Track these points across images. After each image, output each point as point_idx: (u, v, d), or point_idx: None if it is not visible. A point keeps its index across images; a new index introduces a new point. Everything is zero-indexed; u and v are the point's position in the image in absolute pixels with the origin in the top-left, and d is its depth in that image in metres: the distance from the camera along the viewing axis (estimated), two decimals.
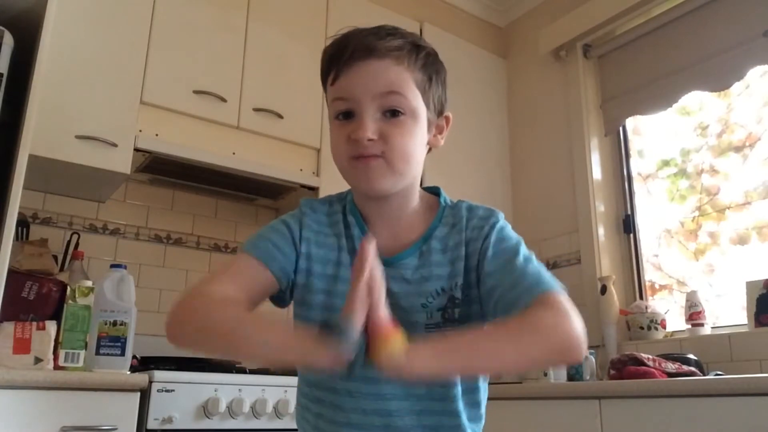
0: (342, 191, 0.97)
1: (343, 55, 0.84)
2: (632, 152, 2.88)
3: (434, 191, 0.96)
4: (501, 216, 0.92)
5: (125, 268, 1.93)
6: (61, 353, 1.68)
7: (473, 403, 0.89)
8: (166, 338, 0.80)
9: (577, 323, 0.75)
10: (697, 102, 2.63)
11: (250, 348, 0.76)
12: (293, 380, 1.39)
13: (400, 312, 0.81)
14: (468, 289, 0.86)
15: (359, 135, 0.81)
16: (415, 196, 0.92)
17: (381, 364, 0.67)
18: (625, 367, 1.95)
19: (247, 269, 0.85)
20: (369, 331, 0.69)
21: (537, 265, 0.84)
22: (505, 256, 0.85)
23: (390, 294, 0.78)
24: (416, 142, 0.85)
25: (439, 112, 0.91)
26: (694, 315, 2.33)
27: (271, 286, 0.87)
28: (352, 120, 0.84)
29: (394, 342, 0.68)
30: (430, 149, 0.93)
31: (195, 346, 0.82)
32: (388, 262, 0.84)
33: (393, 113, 0.83)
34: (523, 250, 0.87)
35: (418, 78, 0.86)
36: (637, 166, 2.85)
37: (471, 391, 0.89)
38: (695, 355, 2.10)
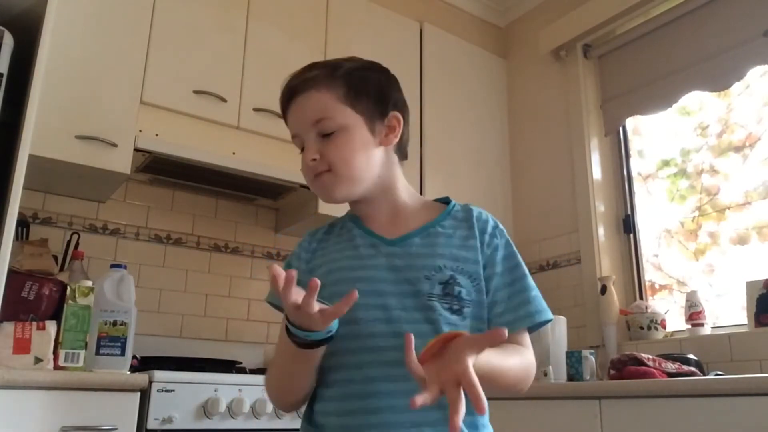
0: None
1: (282, 101, 1.02)
2: (632, 152, 2.88)
3: (444, 200, 1.07)
4: (503, 231, 1.04)
5: (125, 268, 1.94)
6: (61, 353, 1.69)
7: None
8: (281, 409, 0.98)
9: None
10: (697, 102, 2.63)
11: (287, 357, 0.89)
12: None
13: (406, 284, 0.92)
14: (473, 281, 0.95)
15: (305, 159, 0.98)
16: (399, 191, 1.03)
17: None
18: (625, 367, 1.95)
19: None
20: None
21: (534, 286, 0.99)
22: (514, 274, 0.98)
23: (396, 268, 0.94)
24: (355, 149, 0.97)
25: (381, 114, 1.01)
26: (694, 315, 2.33)
27: None
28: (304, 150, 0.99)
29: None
30: (385, 147, 1.02)
31: (286, 405, 0.97)
32: (393, 242, 0.97)
33: (325, 135, 0.97)
34: (526, 269, 1.00)
35: (341, 95, 0.98)
36: (637, 166, 2.85)
37: None
38: (695, 355, 2.10)
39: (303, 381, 0.92)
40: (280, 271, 0.78)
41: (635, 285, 2.71)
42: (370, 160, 0.98)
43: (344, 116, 0.97)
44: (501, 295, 0.96)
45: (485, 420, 0.94)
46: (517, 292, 0.96)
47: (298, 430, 0.98)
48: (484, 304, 0.95)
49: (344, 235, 1.02)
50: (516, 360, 0.90)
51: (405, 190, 1.04)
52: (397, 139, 1.01)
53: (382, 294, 0.91)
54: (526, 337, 0.96)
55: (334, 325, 0.84)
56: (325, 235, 1.05)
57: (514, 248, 1.01)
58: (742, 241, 2.42)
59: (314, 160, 0.96)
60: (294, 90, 0.99)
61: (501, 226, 1.03)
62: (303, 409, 0.98)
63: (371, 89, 1.01)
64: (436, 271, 0.93)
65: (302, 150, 1.00)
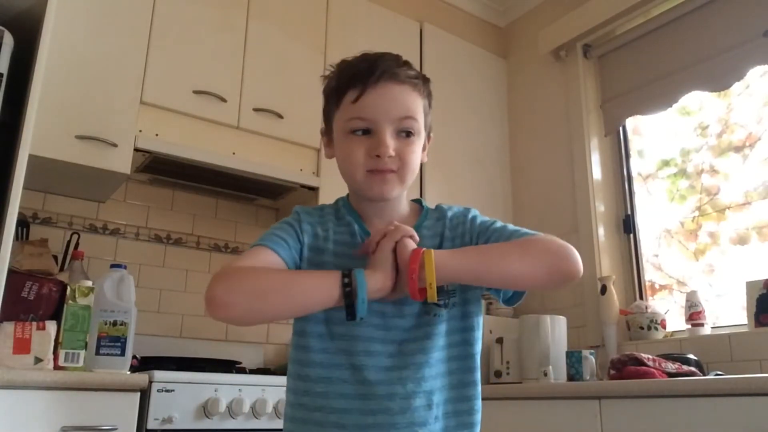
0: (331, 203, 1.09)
1: (371, 75, 0.94)
2: (632, 152, 2.88)
3: (417, 201, 1.11)
4: (476, 210, 1.07)
5: (125, 268, 1.93)
6: (61, 353, 1.68)
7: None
8: (214, 312, 0.84)
9: (569, 245, 0.95)
10: (697, 102, 2.63)
11: (309, 294, 0.86)
12: None
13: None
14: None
15: (382, 151, 0.93)
16: (404, 199, 1.06)
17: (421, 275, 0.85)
18: (625, 367, 1.95)
19: (261, 254, 0.93)
20: (401, 255, 0.88)
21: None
22: (493, 225, 1.01)
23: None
24: (419, 158, 1.00)
25: (428, 134, 1.05)
26: (694, 315, 2.33)
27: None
28: (370, 137, 0.95)
29: (426, 254, 0.86)
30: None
31: (251, 309, 0.87)
32: None
33: (406, 134, 0.96)
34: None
35: (425, 104, 1.00)
36: (637, 166, 2.85)
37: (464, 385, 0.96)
38: (695, 355, 2.10)
39: (290, 315, 0.92)
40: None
41: (635, 285, 2.71)
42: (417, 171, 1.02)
43: (422, 125, 0.99)
44: (494, 237, 0.98)
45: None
46: (503, 230, 0.99)
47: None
48: (470, 286, 0.97)
49: (344, 227, 1.01)
50: (510, 244, 0.95)
51: (405, 198, 1.07)
52: (426, 158, 1.05)
53: (381, 301, 0.91)
54: (539, 235, 0.99)
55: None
56: (320, 218, 1.03)
57: (485, 217, 1.05)
58: (742, 241, 2.42)
59: (391, 156, 0.94)
60: (394, 75, 0.95)
61: (471, 210, 1.05)
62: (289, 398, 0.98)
63: (431, 107, 1.04)
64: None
65: (361, 132, 0.95)
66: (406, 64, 0.99)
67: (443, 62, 2.93)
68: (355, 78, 0.96)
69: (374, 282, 0.86)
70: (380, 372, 0.90)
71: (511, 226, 1.00)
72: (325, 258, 0.97)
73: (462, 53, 3.08)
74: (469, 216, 1.03)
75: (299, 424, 0.93)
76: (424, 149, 1.03)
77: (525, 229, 0.99)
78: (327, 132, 1.03)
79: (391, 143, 0.94)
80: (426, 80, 1.02)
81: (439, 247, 0.99)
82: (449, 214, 1.04)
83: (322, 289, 0.86)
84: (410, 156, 0.96)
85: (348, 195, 1.07)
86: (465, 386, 0.96)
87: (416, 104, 0.97)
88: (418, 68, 1.05)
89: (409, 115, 0.95)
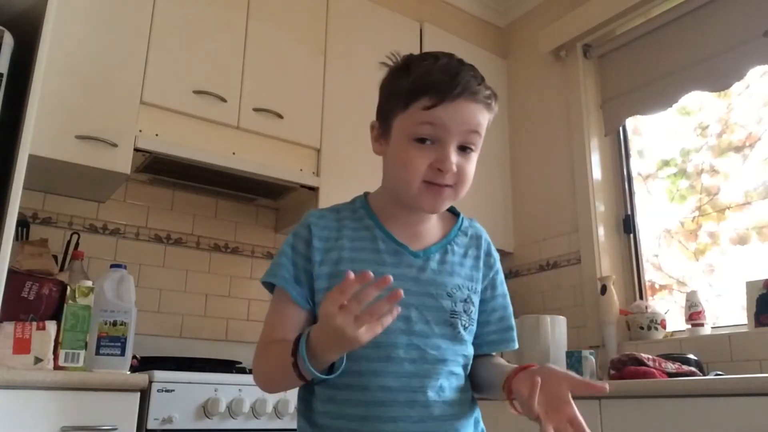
0: (345, 201, 1.05)
1: (453, 89, 0.91)
2: (632, 152, 2.88)
3: (452, 209, 1.07)
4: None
5: (125, 268, 1.93)
6: (61, 353, 1.68)
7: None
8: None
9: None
10: (697, 102, 2.63)
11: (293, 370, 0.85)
12: None
13: (429, 298, 0.94)
14: (477, 299, 1.00)
15: (447, 167, 0.91)
16: None
17: None
18: (625, 367, 1.95)
19: (282, 310, 0.97)
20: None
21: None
22: (506, 300, 1.05)
23: (420, 281, 0.94)
24: (473, 172, 0.98)
25: None
26: (694, 315, 2.33)
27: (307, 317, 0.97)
28: (433, 147, 0.92)
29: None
30: None
31: (269, 388, 0.97)
32: (417, 254, 0.97)
33: (467, 149, 0.95)
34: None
35: (489, 121, 0.98)
36: (637, 166, 2.85)
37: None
38: (695, 355, 2.10)
39: (294, 385, 0.93)
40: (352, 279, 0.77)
41: (635, 285, 2.71)
42: None
43: (482, 140, 0.97)
44: (495, 316, 1.03)
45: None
46: (507, 317, 1.05)
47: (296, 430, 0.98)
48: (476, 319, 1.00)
49: (362, 231, 0.98)
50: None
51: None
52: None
53: (406, 305, 0.90)
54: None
55: (343, 362, 0.86)
56: (336, 222, 0.99)
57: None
58: (742, 241, 2.42)
59: (453, 172, 0.92)
60: (475, 94, 0.93)
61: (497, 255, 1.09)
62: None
63: None
64: (457, 290, 0.96)
65: (420, 140, 0.92)
66: (483, 81, 0.97)
67: None
68: (433, 87, 0.91)
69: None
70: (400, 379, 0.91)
71: (511, 324, 1.05)
72: (341, 267, 0.93)
73: (462, 53, 3.01)
74: (496, 265, 1.05)
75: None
76: None
77: (512, 321, 1.06)
78: (382, 127, 0.98)
79: (454, 158, 0.92)
80: (497, 99, 0.99)
81: (462, 265, 1.00)
82: (489, 249, 1.05)
83: (278, 364, 0.88)
84: (469, 172, 0.95)
85: (366, 194, 1.04)
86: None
87: (485, 121, 0.96)
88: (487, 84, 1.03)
89: (476, 130, 0.94)
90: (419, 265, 0.96)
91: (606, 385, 0.82)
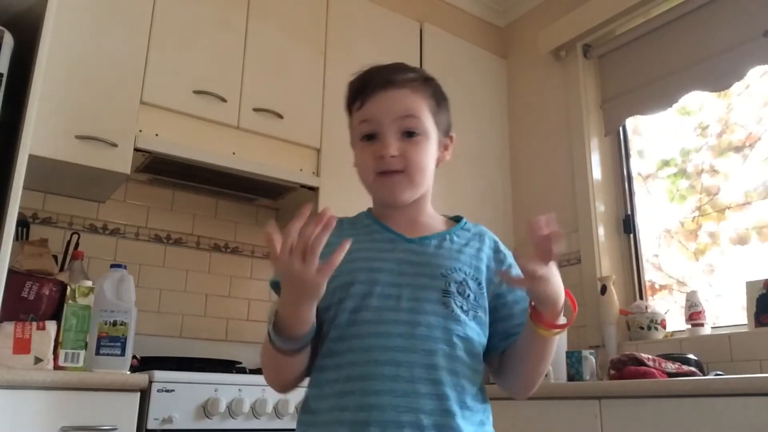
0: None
1: (368, 86, 1.00)
2: (632, 152, 2.88)
3: (456, 217, 1.10)
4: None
5: (125, 268, 1.94)
6: (61, 353, 1.68)
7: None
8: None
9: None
10: (697, 102, 2.63)
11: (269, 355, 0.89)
12: None
13: (422, 277, 0.95)
14: (480, 289, 0.99)
15: (384, 152, 0.96)
16: (428, 204, 1.07)
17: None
18: (625, 367, 1.95)
19: None
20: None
21: None
22: (524, 293, 1.01)
23: (413, 263, 0.96)
24: (429, 158, 1.01)
25: (445, 133, 1.07)
26: (694, 315, 2.33)
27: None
28: (375, 141, 0.98)
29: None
30: (438, 164, 1.07)
31: (275, 385, 0.97)
32: (411, 240, 1.00)
33: (410, 134, 0.98)
34: None
35: (430, 104, 1.02)
36: (637, 166, 2.85)
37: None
38: (695, 355, 2.10)
39: (294, 371, 0.94)
40: (276, 234, 0.79)
41: (635, 285, 2.71)
42: (432, 172, 1.03)
43: (429, 124, 1.01)
44: (518, 308, 1.01)
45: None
46: (526, 310, 1.02)
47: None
48: (486, 311, 0.99)
49: (361, 230, 1.03)
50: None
51: (430, 204, 1.08)
52: (448, 157, 1.07)
53: (398, 285, 0.93)
54: None
55: (312, 329, 0.88)
56: (338, 229, 0.98)
57: None
58: (742, 241, 2.42)
59: (394, 156, 0.96)
60: (389, 82, 0.99)
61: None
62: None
63: (446, 108, 1.06)
64: (452, 272, 0.96)
65: (366, 138, 0.99)
66: (407, 69, 1.02)
67: (443, 62, 2.93)
68: (357, 90, 1.01)
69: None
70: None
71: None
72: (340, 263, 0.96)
73: (462, 53, 3.08)
74: (509, 262, 1.04)
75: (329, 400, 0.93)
76: (446, 149, 1.06)
77: None
78: (352, 145, 1.06)
79: (393, 143, 0.96)
80: (426, 80, 1.03)
81: (461, 252, 1.00)
82: (496, 246, 1.05)
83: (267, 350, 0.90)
84: (416, 156, 0.97)
85: (369, 208, 1.09)
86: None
87: (417, 104, 0.99)
88: (419, 69, 1.07)
89: (409, 113, 0.98)
90: (414, 249, 0.98)
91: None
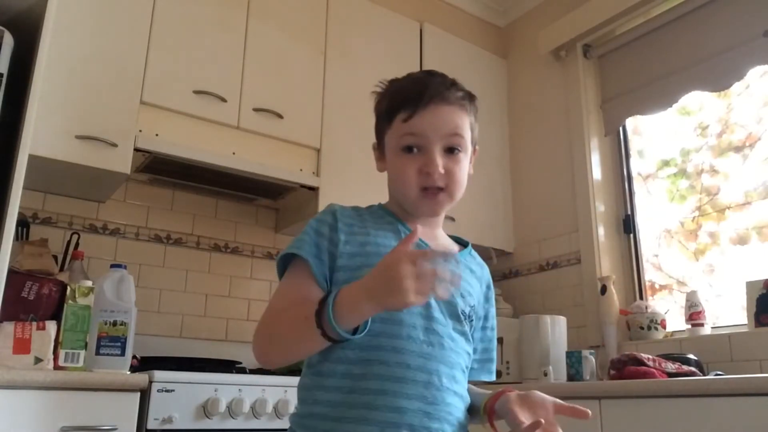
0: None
1: (421, 98, 0.99)
2: (632, 152, 2.88)
3: (459, 239, 1.13)
4: None
5: (125, 268, 1.93)
6: (61, 353, 1.68)
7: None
8: (258, 360, 0.99)
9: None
10: (697, 102, 2.63)
11: (313, 325, 0.83)
12: (293, 380, 1.39)
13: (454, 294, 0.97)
14: (478, 319, 1.05)
15: (431, 169, 0.97)
16: (441, 219, 1.09)
17: None
18: (625, 367, 1.95)
19: (304, 281, 0.97)
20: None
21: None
22: (494, 333, 1.11)
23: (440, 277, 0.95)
24: (466, 174, 1.04)
25: (474, 147, 1.10)
26: (694, 315, 2.33)
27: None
28: (419, 154, 0.99)
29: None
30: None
31: (272, 353, 0.99)
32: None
33: (453, 150, 1.00)
34: None
35: (471, 121, 1.05)
36: (637, 166, 2.85)
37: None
38: (695, 355, 2.10)
39: (310, 353, 0.94)
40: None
41: (635, 285, 2.71)
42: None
43: (468, 142, 1.03)
44: (481, 346, 1.07)
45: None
46: (491, 350, 1.10)
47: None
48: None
49: (384, 225, 1.02)
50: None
51: (441, 219, 1.09)
52: (472, 171, 1.08)
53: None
54: None
55: (367, 325, 0.87)
56: (359, 216, 1.03)
57: None
58: (742, 241, 2.42)
59: (441, 174, 0.98)
60: (445, 98, 1.00)
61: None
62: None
63: (477, 124, 1.09)
64: (468, 295, 1.01)
65: (408, 150, 0.99)
66: (454, 84, 1.04)
67: (443, 62, 2.93)
68: (406, 100, 1.00)
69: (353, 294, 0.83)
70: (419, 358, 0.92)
71: (493, 357, 1.10)
72: (367, 249, 0.96)
73: (462, 53, 3.08)
74: (492, 299, 1.11)
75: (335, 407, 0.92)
76: (470, 161, 1.08)
77: (494, 354, 1.11)
78: (379, 147, 1.07)
79: (440, 161, 0.98)
80: (472, 98, 1.07)
81: (472, 279, 1.05)
82: (488, 274, 1.12)
83: (300, 326, 0.89)
84: (458, 173, 1.00)
85: (382, 204, 1.09)
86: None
87: (463, 122, 1.01)
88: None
89: (456, 132, 1.00)
90: None
91: (589, 412, 0.89)
